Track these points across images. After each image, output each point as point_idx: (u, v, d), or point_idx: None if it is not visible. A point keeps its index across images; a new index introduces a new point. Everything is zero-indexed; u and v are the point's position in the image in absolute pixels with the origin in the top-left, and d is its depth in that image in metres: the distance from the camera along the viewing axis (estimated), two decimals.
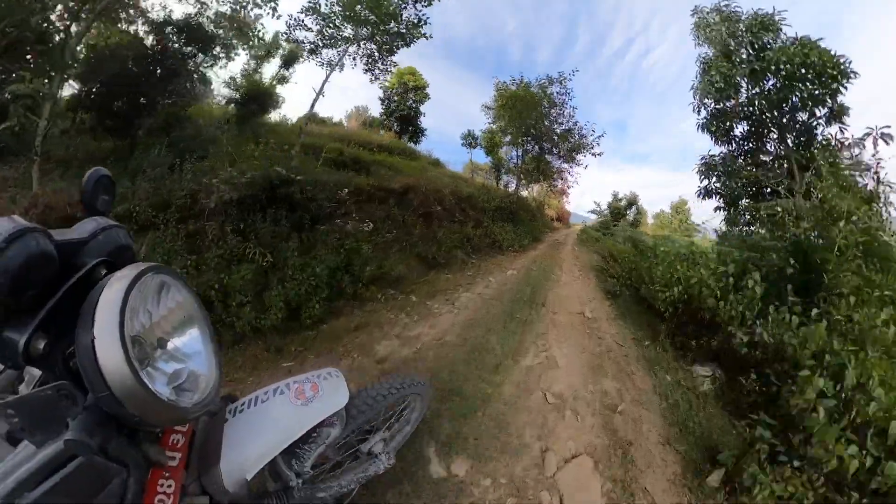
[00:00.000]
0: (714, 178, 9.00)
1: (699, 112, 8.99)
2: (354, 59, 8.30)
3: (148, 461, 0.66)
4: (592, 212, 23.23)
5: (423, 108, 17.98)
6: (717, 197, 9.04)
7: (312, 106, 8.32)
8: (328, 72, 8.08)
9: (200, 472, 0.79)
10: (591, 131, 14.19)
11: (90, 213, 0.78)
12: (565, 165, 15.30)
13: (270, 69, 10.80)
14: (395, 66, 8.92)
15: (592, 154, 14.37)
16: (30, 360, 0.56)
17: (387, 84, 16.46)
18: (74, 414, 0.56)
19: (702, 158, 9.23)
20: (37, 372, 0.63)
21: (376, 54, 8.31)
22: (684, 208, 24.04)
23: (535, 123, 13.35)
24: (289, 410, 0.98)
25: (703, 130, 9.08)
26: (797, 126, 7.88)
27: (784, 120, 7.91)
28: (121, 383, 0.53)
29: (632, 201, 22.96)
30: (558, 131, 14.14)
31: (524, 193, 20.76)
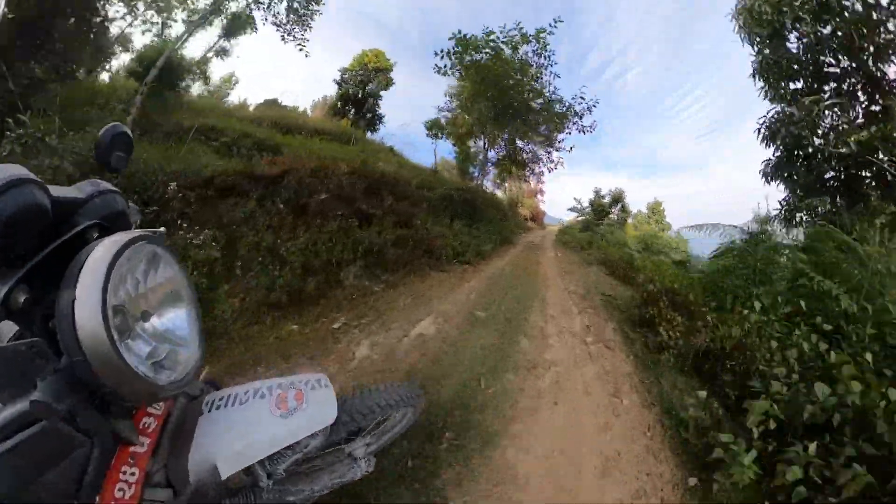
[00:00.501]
0: (778, 149, 6.46)
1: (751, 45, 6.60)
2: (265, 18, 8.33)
3: (116, 438, 0.62)
4: (572, 209, 21.43)
5: (392, 95, 16.42)
6: (784, 179, 6.52)
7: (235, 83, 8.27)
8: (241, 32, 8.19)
9: (168, 462, 0.74)
10: (580, 98, 10.79)
11: (105, 168, 0.77)
12: (542, 153, 12.56)
13: (209, 39, 9.76)
14: (306, 32, 8.43)
15: (581, 130, 11.05)
16: (9, 313, 0.53)
17: (346, 67, 15.09)
18: (45, 375, 0.52)
19: (762, 119, 6.57)
20: (13, 327, 0.60)
21: (283, 17, 8.24)
22: (660, 209, 23.73)
23: (505, 96, 10.18)
24: (266, 421, 0.89)
25: (756, 77, 6.78)
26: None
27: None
28: (96, 349, 0.51)
29: (617, 198, 21.02)
30: (535, 106, 10.85)
31: (499, 193, 20.22)
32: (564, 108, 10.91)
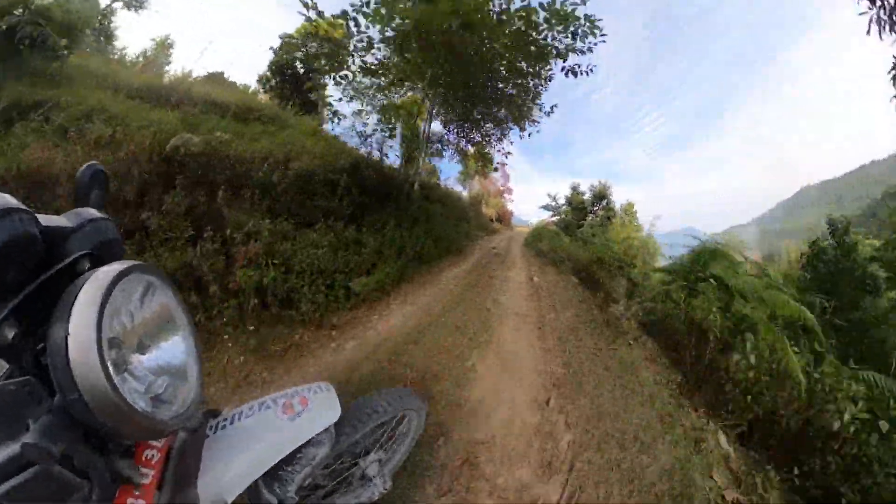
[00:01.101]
0: None
1: None
2: None
3: (117, 477, 0.59)
4: (546, 206, 18.28)
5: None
6: None
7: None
8: None
9: (174, 493, 0.71)
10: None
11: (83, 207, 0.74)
12: (497, 132, 9.01)
13: None
14: None
15: (570, 72, 6.63)
16: None
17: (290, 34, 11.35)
18: (37, 415, 0.50)
19: None
20: (3, 364, 0.57)
21: None
22: (632, 210, 22.04)
23: (466, 70, 6.64)
24: (275, 426, 0.90)
25: None
26: None
27: None
28: (92, 387, 0.49)
29: (601, 194, 16.99)
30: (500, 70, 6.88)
31: (464, 192, 19.32)
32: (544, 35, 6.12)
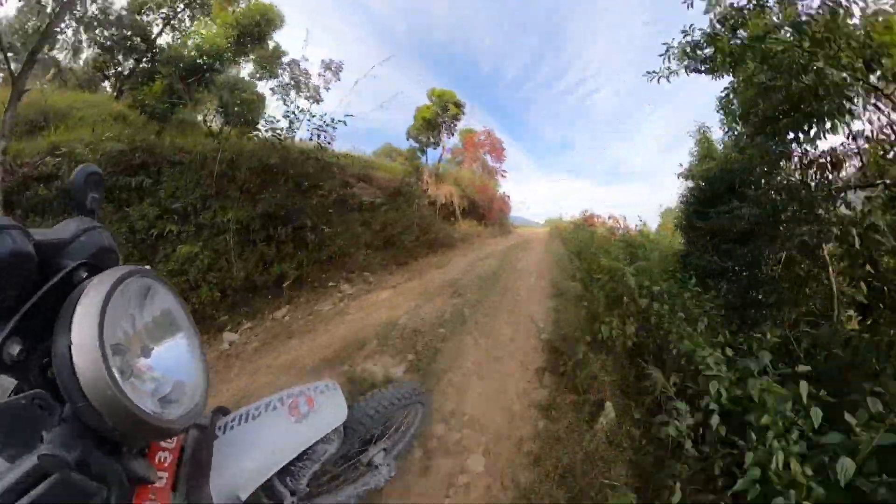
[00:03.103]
0: None
1: None
2: None
3: (132, 479, 0.60)
4: None
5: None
6: None
7: None
8: None
9: (189, 492, 0.73)
10: None
11: (79, 210, 0.73)
12: None
13: None
14: None
15: None
16: (3, 366, 0.51)
17: None
18: (50, 426, 0.51)
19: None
20: (12, 381, 0.58)
21: None
22: None
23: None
24: (282, 428, 0.92)
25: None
26: None
27: None
28: (100, 394, 0.49)
29: None
30: None
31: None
32: None
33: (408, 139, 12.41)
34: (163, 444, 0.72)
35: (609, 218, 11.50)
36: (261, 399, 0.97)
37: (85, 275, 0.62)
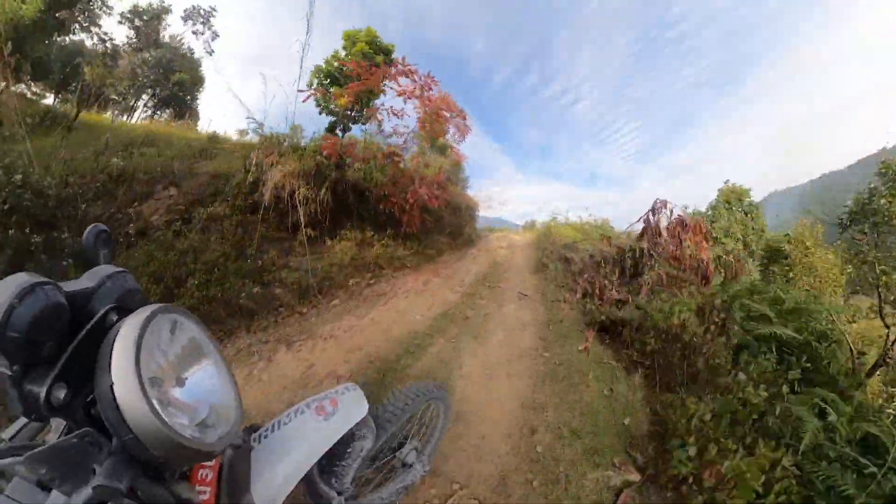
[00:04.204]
0: None
1: None
2: None
3: (179, 501, 0.64)
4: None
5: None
6: None
7: None
8: None
9: (232, 503, 0.78)
10: None
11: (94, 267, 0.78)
12: None
13: None
14: None
15: None
16: (52, 409, 0.56)
17: None
18: (101, 460, 0.55)
19: None
20: (62, 422, 0.63)
21: None
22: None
23: None
24: (311, 427, 0.99)
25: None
26: None
27: None
28: (143, 425, 0.53)
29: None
30: None
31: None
32: None
33: (320, 111, 8.09)
34: (204, 462, 0.76)
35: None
36: (290, 407, 1.05)
37: (115, 317, 0.66)
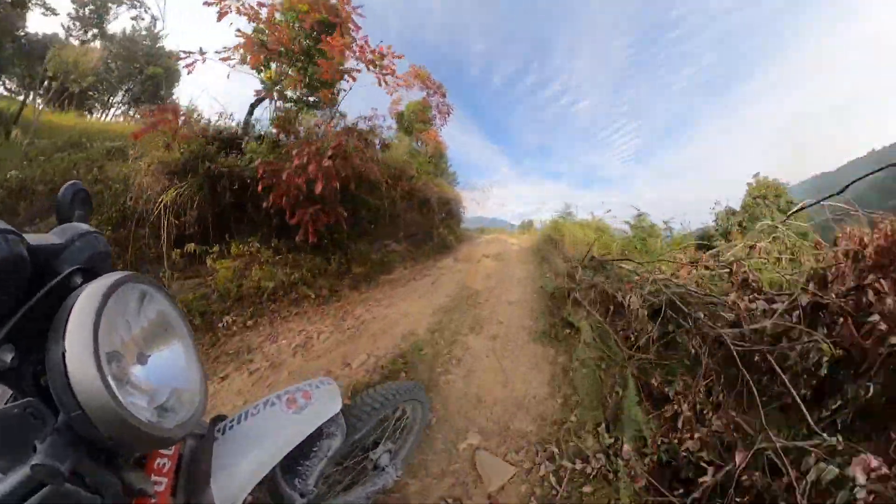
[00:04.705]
0: None
1: None
2: None
3: (130, 490, 0.58)
4: None
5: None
6: None
7: None
8: None
9: (189, 496, 0.71)
10: None
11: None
12: None
13: None
14: None
15: None
16: None
17: None
18: (43, 436, 0.49)
19: None
20: (7, 390, 0.56)
21: None
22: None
23: None
24: (281, 420, 0.92)
25: None
26: None
27: None
28: (94, 402, 0.48)
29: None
30: None
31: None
32: None
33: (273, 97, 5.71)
34: (161, 450, 0.70)
35: None
36: (259, 399, 0.98)
37: (80, 281, 0.60)
